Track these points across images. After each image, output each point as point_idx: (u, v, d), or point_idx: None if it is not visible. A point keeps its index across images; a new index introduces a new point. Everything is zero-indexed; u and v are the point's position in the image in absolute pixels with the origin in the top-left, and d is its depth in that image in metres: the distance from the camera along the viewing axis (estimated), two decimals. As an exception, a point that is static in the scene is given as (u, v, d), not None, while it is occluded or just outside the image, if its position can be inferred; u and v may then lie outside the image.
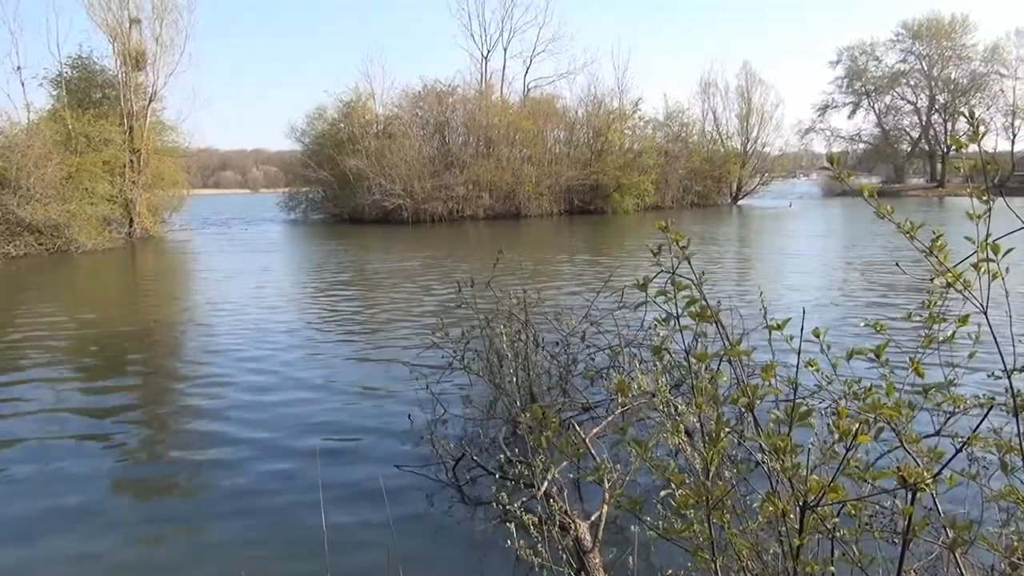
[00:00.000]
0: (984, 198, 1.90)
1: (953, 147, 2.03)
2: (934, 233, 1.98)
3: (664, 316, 2.09)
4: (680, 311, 2.06)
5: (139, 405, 7.34)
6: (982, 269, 1.90)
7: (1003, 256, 1.87)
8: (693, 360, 2.09)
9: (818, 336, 2.30)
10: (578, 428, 4.84)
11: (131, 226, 31.48)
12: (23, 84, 30.65)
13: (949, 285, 1.94)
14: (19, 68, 30.10)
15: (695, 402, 2.00)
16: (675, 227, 2.09)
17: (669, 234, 2.03)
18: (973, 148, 1.94)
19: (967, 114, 1.87)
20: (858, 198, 2.06)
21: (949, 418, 3.02)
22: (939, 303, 2.32)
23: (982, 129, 1.89)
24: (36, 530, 4.57)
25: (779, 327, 2.20)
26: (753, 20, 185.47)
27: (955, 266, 1.94)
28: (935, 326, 2.35)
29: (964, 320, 2.19)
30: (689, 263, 2.06)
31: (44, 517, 4.74)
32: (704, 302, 2.05)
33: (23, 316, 12.75)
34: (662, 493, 2.16)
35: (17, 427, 6.57)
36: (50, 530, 4.56)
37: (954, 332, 2.35)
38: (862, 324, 8.94)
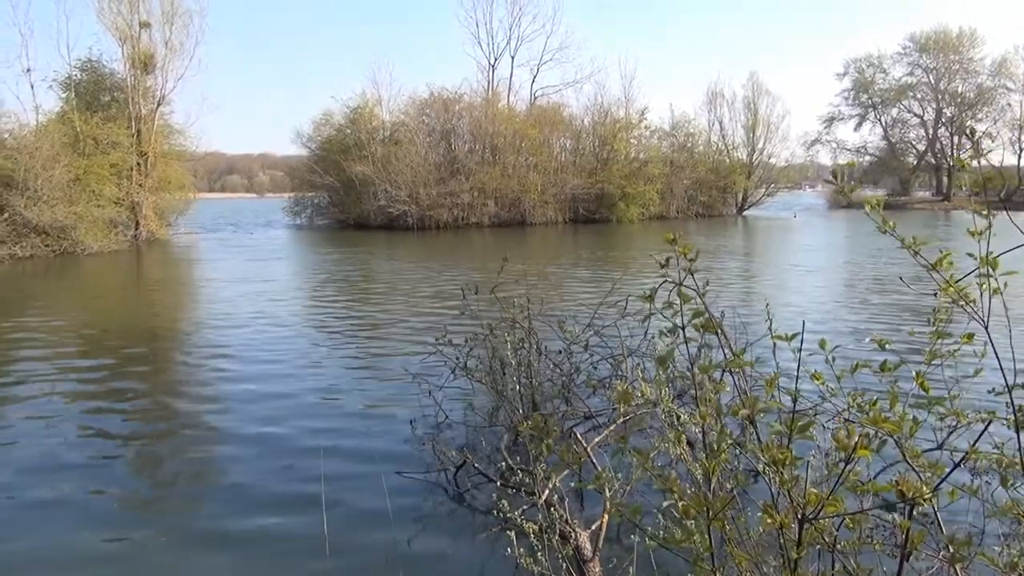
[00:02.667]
0: (984, 212, 1.90)
1: (957, 162, 2.04)
2: (941, 252, 1.98)
3: (670, 327, 2.10)
4: (686, 323, 2.07)
5: (141, 409, 7.35)
6: (984, 285, 1.90)
7: (1008, 273, 1.88)
8: (697, 371, 2.10)
9: (823, 347, 2.30)
10: (580, 437, 4.85)
11: (137, 229, 31.60)
12: (32, 86, 30.97)
13: (953, 302, 1.94)
14: (29, 70, 30.34)
15: (699, 412, 2.01)
16: (681, 239, 2.10)
17: (677, 247, 2.04)
18: (981, 162, 1.95)
19: (967, 133, 1.88)
20: (862, 210, 2.07)
21: (951, 432, 3.02)
22: (943, 320, 2.33)
23: (988, 143, 1.90)
24: (29, 528, 4.58)
25: (785, 338, 2.21)
26: (756, 23, 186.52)
27: (957, 281, 1.94)
28: (939, 341, 2.35)
29: (969, 337, 2.20)
30: (692, 276, 2.07)
31: (39, 520, 4.76)
32: (708, 313, 2.06)
33: (28, 317, 12.80)
34: (664, 503, 2.17)
35: (14, 432, 6.59)
36: (42, 534, 4.57)
37: (958, 348, 2.35)
38: (867, 340, 8.93)
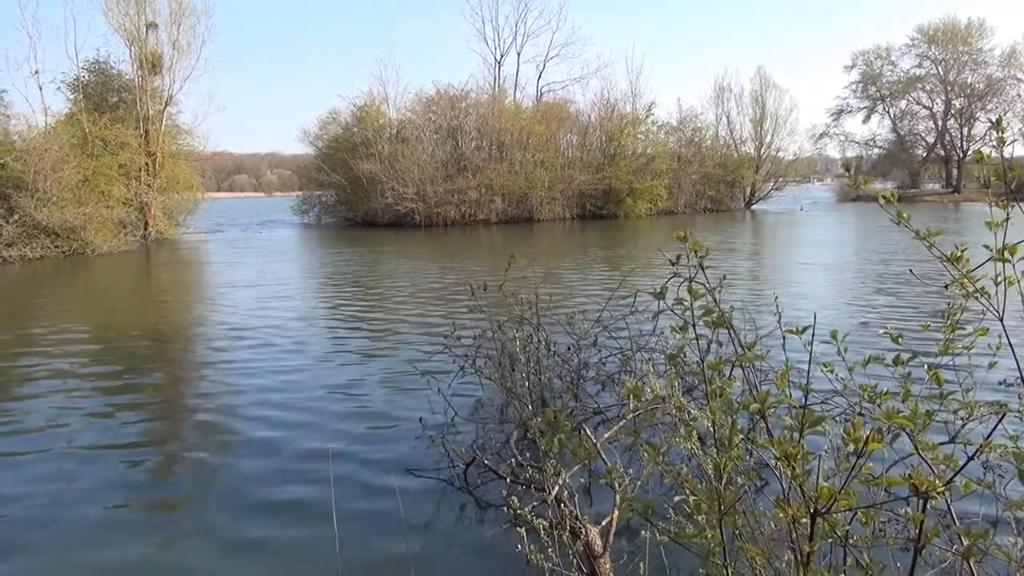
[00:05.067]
0: (1003, 203, 1.88)
1: (970, 153, 2.02)
2: (957, 246, 1.96)
3: (680, 323, 2.10)
4: (696, 319, 2.06)
5: (149, 409, 7.39)
6: (999, 277, 1.88)
7: (1019, 259, 1.86)
8: (708, 367, 2.09)
9: (834, 338, 2.29)
10: (589, 433, 4.84)
11: (146, 229, 31.74)
12: (41, 88, 31.05)
13: (968, 295, 1.92)
14: (37, 72, 30.45)
15: (709, 407, 2.00)
16: (690, 235, 2.09)
17: (687, 244, 2.04)
18: (991, 154, 1.93)
19: (993, 123, 1.86)
20: (871, 204, 2.06)
21: (964, 425, 3.00)
22: (958, 314, 2.30)
23: (1008, 136, 1.89)
24: (42, 536, 4.61)
25: (797, 332, 2.20)
26: (763, 19, 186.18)
27: (971, 271, 1.92)
28: (952, 334, 2.33)
29: (984, 331, 2.18)
30: (703, 272, 2.06)
31: (51, 522, 4.79)
32: (718, 309, 2.05)
33: (39, 319, 12.88)
34: (676, 499, 2.16)
35: (21, 438, 6.64)
36: (57, 536, 4.60)
37: (973, 342, 2.33)
38: (881, 332, 8.87)
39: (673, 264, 2.04)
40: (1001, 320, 1.94)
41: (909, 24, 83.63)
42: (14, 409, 7.27)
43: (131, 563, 4.21)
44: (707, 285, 2.06)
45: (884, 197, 1.94)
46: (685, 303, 2.06)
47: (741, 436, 1.98)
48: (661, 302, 2.10)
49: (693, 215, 47.53)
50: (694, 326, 2.07)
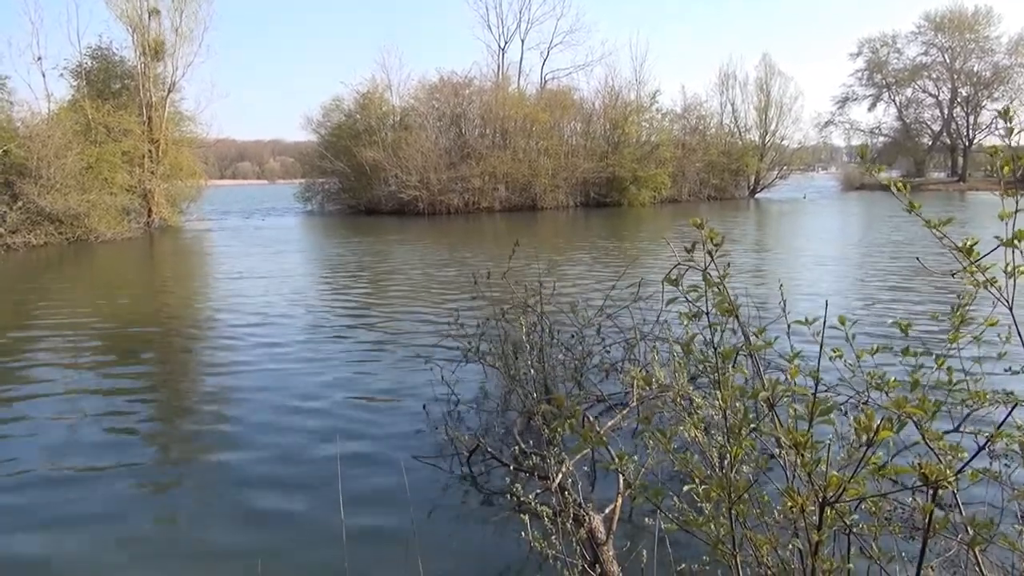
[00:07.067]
0: (1011, 192, 1.87)
1: (977, 141, 2.00)
2: (968, 240, 1.94)
3: (690, 310, 2.09)
4: (709, 307, 2.06)
5: (152, 400, 7.41)
6: (1009, 267, 1.87)
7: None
8: (718, 356, 2.08)
9: (843, 323, 2.27)
10: (592, 421, 4.84)
11: (149, 216, 31.73)
12: (44, 75, 31.06)
13: (979, 284, 1.91)
14: (40, 59, 30.42)
15: (721, 396, 1.99)
16: (704, 224, 2.08)
17: (703, 232, 2.03)
18: (997, 142, 1.91)
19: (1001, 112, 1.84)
20: (876, 193, 2.05)
21: (969, 414, 2.99)
22: (968, 303, 2.29)
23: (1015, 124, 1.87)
24: (44, 523, 4.63)
25: (806, 323, 2.18)
26: (768, 5, 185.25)
27: (980, 259, 1.91)
28: (961, 324, 2.32)
29: (993, 321, 2.16)
30: (713, 259, 2.05)
31: (54, 513, 4.81)
32: (728, 298, 2.04)
33: (44, 305, 12.90)
34: (685, 488, 2.16)
35: (25, 429, 6.66)
36: (60, 524, 4.62)
37: (982, 332, 2.31)
38: (890, 322, 8.86)
39: (689, 251, 2.03)
40: (1011, 309, 1.93)
41: (914, 10, 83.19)
42: (13, 399, 7.30)
43: (130, 558, 4.23)
44: (715, 274, 2.05)
45: (896, 185, 1.93)
46: (698, 290, 2.06)
47: (752, 426, 1.97)
48: (672, 289, 2.10)
49: (697, 203, 47.38)
50: (708, 314, 2.06)
